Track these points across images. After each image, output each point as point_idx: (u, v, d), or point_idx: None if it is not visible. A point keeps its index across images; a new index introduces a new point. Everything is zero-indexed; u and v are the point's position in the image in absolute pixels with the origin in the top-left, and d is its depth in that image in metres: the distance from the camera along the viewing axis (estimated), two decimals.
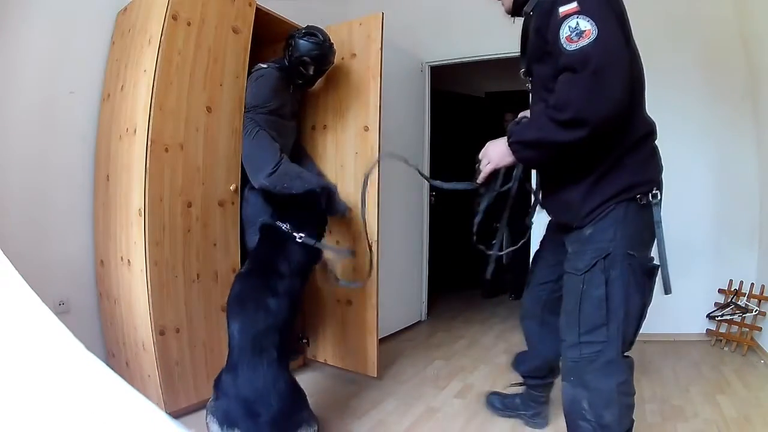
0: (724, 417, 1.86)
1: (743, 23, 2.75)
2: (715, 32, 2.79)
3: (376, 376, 2.35)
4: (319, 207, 1.89)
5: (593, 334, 1.20)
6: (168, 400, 1.80)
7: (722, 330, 2.77)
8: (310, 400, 1.87)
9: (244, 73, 2.11)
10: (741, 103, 2.78)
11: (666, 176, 1.29)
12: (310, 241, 1.73)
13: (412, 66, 3.34)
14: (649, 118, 1.26)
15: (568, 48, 1.04)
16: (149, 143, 1.76)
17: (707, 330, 2.84)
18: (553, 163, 1.24)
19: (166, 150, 1.82)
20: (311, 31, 2.11)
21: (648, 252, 1.23)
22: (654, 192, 1.20)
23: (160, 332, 1.79)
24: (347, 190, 2.32)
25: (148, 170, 1.76)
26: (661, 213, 1.23)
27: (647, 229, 1.21)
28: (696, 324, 2.86)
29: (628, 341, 1.21)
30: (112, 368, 0.62)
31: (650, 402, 2.02)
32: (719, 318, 2.75)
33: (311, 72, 2.15)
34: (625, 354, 1.22)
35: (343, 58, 2.38)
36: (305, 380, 2.06)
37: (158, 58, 1.78)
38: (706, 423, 1.80)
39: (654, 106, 1.31)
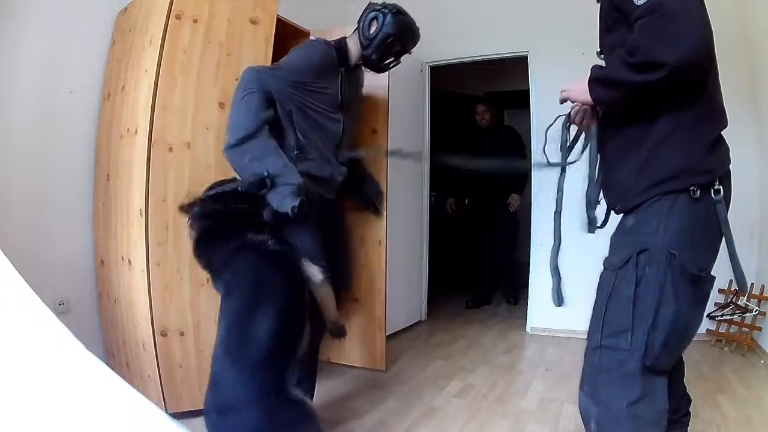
0: (724, 417, 1.86)
1: (744, 23, 2.75)
2: (715, 32, 2.79)
3: (384, 369, 2.42)
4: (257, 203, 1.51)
5: (615, 338, 1.08)
6: (169, 401, 1.80)
7: (722, 330, 2.77)
8: None
9: (267, 63, 2.00)
10: (741, 103, 2.78)
11: None
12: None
13: (412, 66, 3.34)
14: (721, 102, 1.13)
15: (638, 3, 1.02)
16: (150, 143, 1.76)
17: (707, 330, 2.83)
18: (627, 110, 1.13)
19: (170, 149, 1.81)
20: (400, 9, 1.86)
21: (698, 255, 1.06)
22: (716, 187, 1.04)
23: (162, 333, 1.79)
24: None
25: (149, 170, 1.75)
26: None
27: (699, 228, 1.06)
28: None
29: (653, 354, 1.05)
30: (112, 368, 0.62)
31: None
32: (719, 318, 2.74)
33: (394, 49, 1.87)
34: (655, 369, 1.06)
35: None
36: None
37: (160, 57, 1.78)
38: (706, 423, 1.79)
39: None
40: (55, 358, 0.61)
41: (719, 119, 1.11)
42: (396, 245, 2.98)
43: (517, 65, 3.31)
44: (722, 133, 1.10)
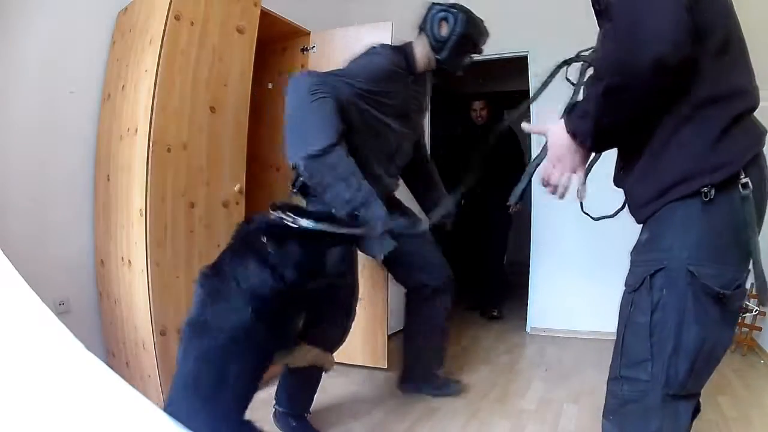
0: (724, 417, 1.86)
1: (743, 22, 2.75)
2: None
3: (386, 367, 2.44)
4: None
5: (635, 369, 0.97)
6: None
7: None
8: None
9: (250, 72, 2.10)
10: None
11: None
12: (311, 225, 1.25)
13: None
14: (740, 79, 0.95)
15: None
16: (151, 143, 1.76)
17: None
18: (630, 132, 1.00)
19: (168, 150, 1.82)
20: (467, 9, 1.76)
21: (724, 269, 0.91)
22: (743, 180, 0.87)
23: (161, 332, 1.79)
24: None
25: (149, 170, 1.76)
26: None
27: (724, 234, 0.90)
28: None
29: (677, 383, 0.93)
30: (112, 368, 0.62)
31: None
32: None
33: (469, 49, 1.81)
34: (680, 395, 0.95)
35: None
36: None
37: (160, 58, 1.78)
38: (706, 423, 1.79)
39: None
40: (55, 358, 0.61)
41: (734, 100, 0.92)
42: None
43: (516, 65, 3.31)
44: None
